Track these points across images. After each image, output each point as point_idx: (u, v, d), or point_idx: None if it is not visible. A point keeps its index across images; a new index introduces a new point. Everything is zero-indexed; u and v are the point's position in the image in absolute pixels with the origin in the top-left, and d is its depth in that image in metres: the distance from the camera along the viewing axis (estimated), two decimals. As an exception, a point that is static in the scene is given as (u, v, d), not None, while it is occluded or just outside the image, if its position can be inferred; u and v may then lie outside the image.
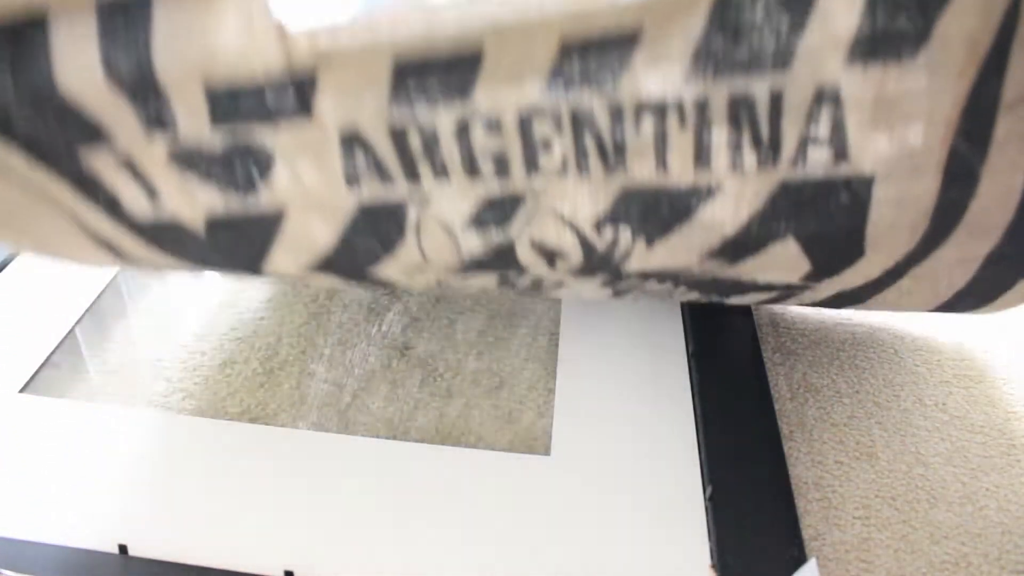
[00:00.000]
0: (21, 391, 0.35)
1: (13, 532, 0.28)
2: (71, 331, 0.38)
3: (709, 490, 0.29)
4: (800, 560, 0.27)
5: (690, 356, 0.36)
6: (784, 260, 0.24)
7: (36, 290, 0.41)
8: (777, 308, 0.40)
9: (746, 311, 0.38)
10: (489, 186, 0.23)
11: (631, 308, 0.39)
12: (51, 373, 0.36)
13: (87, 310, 0.40)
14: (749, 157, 0.21)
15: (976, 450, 0.32)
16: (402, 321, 0.39)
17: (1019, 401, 0.35)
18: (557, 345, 0.37)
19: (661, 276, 0.26)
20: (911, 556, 0.28)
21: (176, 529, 0.28)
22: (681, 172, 0.21)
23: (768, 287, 0.27)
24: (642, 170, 0.22)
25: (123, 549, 0.28)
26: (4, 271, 0.42)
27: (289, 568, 0.27)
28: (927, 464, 0.32)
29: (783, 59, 0.19)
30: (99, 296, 0.41)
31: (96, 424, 0.33)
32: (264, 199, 0.23)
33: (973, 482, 0.31)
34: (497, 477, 0.30)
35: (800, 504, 0.30)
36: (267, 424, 0.33)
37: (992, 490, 0.31)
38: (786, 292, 0.27)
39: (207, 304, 0.41)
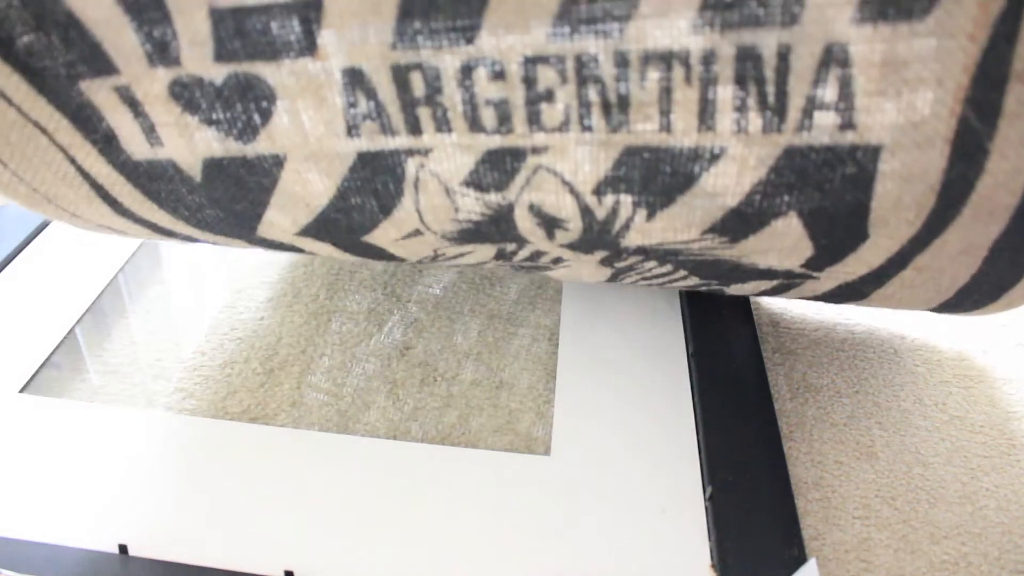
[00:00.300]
0: (21, 391, 0.35)
1: (13, 532, 0.28)
2: (71, 331, 0.38)
3: (709, 490, 0.29)
4: (800, 560, 0.27)
5: (690, 356, 0.36)
6: (786, 240, 0.24)
7: (36, 290, 0.41)
8: (777, 308, 0.40)
9: (746, 311, 0.38)
10: (490, 140, 0.22)
11: (631, 308, 0.39)
12: (51, 373, 0.36)
13: (87, 310, 0.40)
14: (754, 119, 0.21)
15: (976, 450, 0.32)
16: (402, 322, 0.39)
17: (1019, 401, 0.35)
18: (557, 346, 0.37)
19: (661, 255, 0.26)
20: (911, 556, 0.28)
21: (176, 529, 0.29)
22: (684, 132, 0.21)
23: (769, 273, 0.27)
24: (645, 129, 0.21)
25: (123, 549, 0.28)
26: (4, 271, 0.42)
27: (289, 568, 0.27)
28: (927, 464, 0.32)
29: (791, 14, 0.19)
30: (99, 296, 0.41)
31: (96, 424, 0.33)
32: (263, 143, 0.23)
33: (973, 482, 0.31)
34: (497, 477, 0.31)
35: (800, 504, 0.30)
36: (267, 424, 0.33)
37: (992, 490, 0.31)
38: (787, 281, 0.27)
39: (207, 304, 0.41)
